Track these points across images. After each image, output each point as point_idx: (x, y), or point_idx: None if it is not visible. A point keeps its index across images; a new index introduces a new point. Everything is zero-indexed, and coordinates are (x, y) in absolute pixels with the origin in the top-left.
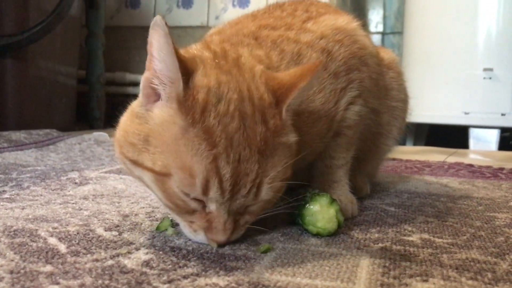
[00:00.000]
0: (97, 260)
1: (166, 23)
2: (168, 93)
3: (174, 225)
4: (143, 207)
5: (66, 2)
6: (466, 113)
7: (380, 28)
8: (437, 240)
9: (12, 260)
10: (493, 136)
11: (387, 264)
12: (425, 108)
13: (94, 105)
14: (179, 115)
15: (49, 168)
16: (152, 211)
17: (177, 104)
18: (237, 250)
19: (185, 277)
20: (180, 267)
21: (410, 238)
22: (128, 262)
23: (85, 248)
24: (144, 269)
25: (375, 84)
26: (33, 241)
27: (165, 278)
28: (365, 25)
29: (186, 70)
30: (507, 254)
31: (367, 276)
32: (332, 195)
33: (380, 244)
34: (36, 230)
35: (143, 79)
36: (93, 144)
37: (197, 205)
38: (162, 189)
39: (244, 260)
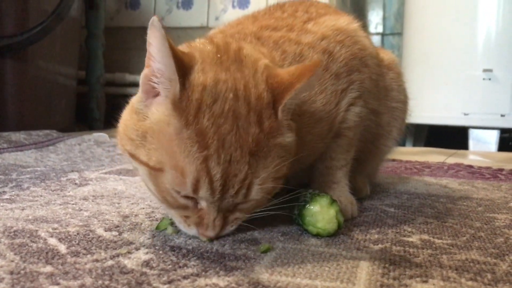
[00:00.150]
0: (97, 261)
1: (162, 25)
2: (166, 92)
3: (174, 224)
4: (143, 208)
5: (66, 3)
6: (465, 114)
7: (380, 29)
8: (436, 241)
9: (12, 261)
10: (493, 137)
11: (387, 265)
12: (425, 109)
13: (93, 105)
14: (174, 116)
15: (49, 169)
16: (152, 211)
17: (172, 105)
18: (237, 250)
19: (185, 277)
20: (180, 267)
21: (410, 239)
22: (128, 262)
23: (85, 249)
24: (144, 269)
25: (375, 85)
26: (33, 242)
27: (165, 278)
28: (365, 26)
29: (183, 69)
30: (507, 255)
31: (367, 276)
32: (332, 196)
33: (380, 245)
34: (36, 230)
35: (142, 75)
36: (93, 145)
37: (188, 202)
38: (155, 183)
39: (244, 260)
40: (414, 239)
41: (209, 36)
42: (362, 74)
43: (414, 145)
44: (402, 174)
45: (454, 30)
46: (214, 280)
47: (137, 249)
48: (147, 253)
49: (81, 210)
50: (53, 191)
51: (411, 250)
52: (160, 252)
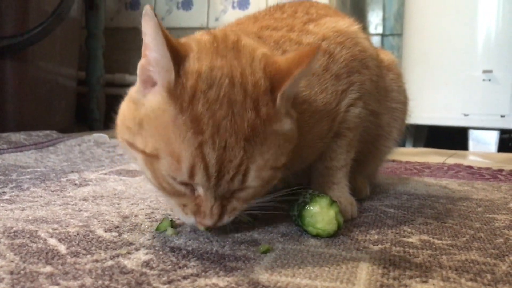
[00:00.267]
0: (97, 261)
1: (155, 13)
2: (161, 80)
3: (174, 225)
4: (143, 208)
5: (66, 4)
6: (465, 115)
7: (380, 30)
8: (436, 241)
9: (12, 261)
10: (493, 138)
11: (386, 265)
12: (425, 109)
13: (93, 106)
14: (169, 103)
15: (49, 170)
16: (152, 212)
17: (167, 93)
18: (237, 251)
19: (185, 277)
20: (180, 267)
21: (410, 240)
22: (128, 263)
23: (85, 249)
24: (144, 270)
25: (376, 86)
26: (33, 242)
27: (165, 278)
28: (364, 27)
29: (178, 57)
30: (507, 255)
31: (366, 277)
32: (331, 197)
33: (379, 246)
34: (36, 231)
35: (139, 66)
36: (93, 145)
37: (185, 188)
38: (152, 170)
39: (244, 260)
40: (414, 239)
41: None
42: (362, 75)
43: (414, 145)
44: (402, 175)
45: (454, 30)
46: (214, 280)
47: (137, 249)
48: (147, 253)
49: (81, 210)
50: (53, 191)
51: (411, 250)
52: (160, 252)
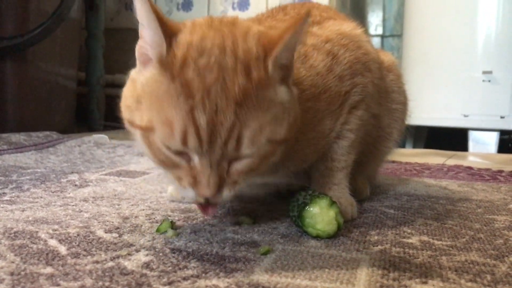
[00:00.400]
0: (97, 262)
1: None
2: (155, 54)
3: (174, 226)
4: (143, 209)
5: (66, 4)
6: (465, 116)
7: (380, 31)
8: (436, 242)
9: (13, 262)
10: (492, 139)
11: (386, 266)
12: (425, 110)
13: (93, 107)
14: (161, 74)
15: (49, 170)
16: (152, 213)
17: (159, 63)
18: (237, 252)
19: (185, 278)
20: (180, 268)
21: (410, 240)
22: (128, 264)
23: (85, 250)
24: (144, 271)
25: (377, 89)
26: (34, 243)
27: (165, 280)
28: (364, 29)
29: (170, 31)
30: (506, 256)
31: (366, 278)
32: (332, 197)
33: (379, 246)
34: (37, 232)
35: (137, 47)
36: (93, 146)
37: (180, 159)
38: (148, 144)
39: (244, 261)
40: (414, 240)
41: None
42: (365, 78)
43: (414, 146)
44: (402, 176)
45: (454, 31)
46: (214, 281)
47: (137, 251)
48: (147, 255)
49: (81, 211)
50: (53, 192)
51: (410, 251)
52: (160, 254)
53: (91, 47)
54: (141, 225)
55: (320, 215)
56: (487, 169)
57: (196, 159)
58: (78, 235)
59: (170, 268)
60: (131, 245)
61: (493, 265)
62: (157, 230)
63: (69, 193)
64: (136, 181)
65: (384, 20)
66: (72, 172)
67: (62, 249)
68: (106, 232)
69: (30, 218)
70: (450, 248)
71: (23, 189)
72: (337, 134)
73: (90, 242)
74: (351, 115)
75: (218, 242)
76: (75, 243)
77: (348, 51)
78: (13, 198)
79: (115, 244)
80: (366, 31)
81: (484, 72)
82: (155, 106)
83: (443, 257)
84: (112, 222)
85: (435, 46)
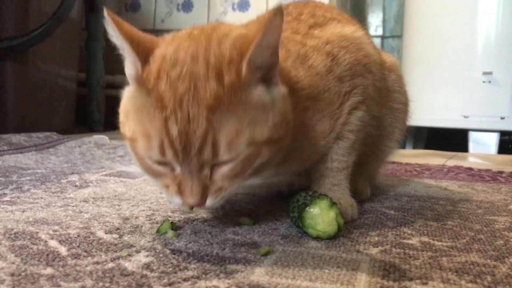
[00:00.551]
0: (97, 263)
1: (112, 12)
2: (133, 72)
3: (175, 227)
4: (143, 210)
5: (66, 5)
6: (465, 117)
7: (380, 32)
8: (436, 243)
9: (13, 263)
10: (493, 140)
11: (387, 267)
12: (425, 111)
13: (94, 107)
14: (139, 89)
15: (49, 171)
16: (152, 214)
17: (136, 81)
18: (237, 253)
19: (185, 279)
20: (180, 269)
21: (410, 241)
22: (129, 265)
23: (85, 251)
24: (144, 272)
25: (379, 92)
26: (34, 244)
27: (165, 280)
28: (365, 30)
29: (145, 50)
30: (507, 257)
31: (367, 278)
32: (332, 198)
33: (380, 247)
34: (37, 232)
35: (125, 67)
36: (93, 147)
37: (163, 168)
38: (134, 155)
39: (244, 263)
40: (414, 241)
41: None
42: (366, 79)
43: (414, 147)
44: (402, 177)
45: (454, 32)
46: (215, 282)
47: (137, 251)
48: (147, 256)
49: (81, 212)
50: (53, 193)
51: (411, 252)
52: (161, 255)
53: (91, 48)
54: (142, 226)
55: (321, 216)
56: (487, 170)
57: (178, 168)
58: (78, 235)
59: (171, 269)
60: (132, 246)
61: (493, 266)
62: (158, 231)
63: (70, 194)
64: (136, 182)
65: (384, 21)
66: (73, 173)
67: (63, 250)
68: (106, 233)
69: (31, 219)
70: (451, 249)
71: (24, 190)
72: (337, 135)
73: (91, 243)
74: (352, 116)
75: (218, 243)
76: (76, 244)
77: (348, 53)
78: (13, 199)
79: (115, 245)
80: (366, 33)
81: (484, 73)
82: (137, 119)
83: (444, 258)
84: (113, 223)
85: (435, 47)
